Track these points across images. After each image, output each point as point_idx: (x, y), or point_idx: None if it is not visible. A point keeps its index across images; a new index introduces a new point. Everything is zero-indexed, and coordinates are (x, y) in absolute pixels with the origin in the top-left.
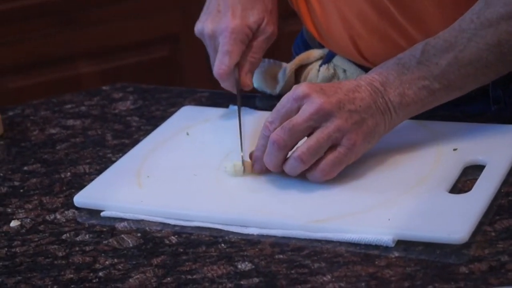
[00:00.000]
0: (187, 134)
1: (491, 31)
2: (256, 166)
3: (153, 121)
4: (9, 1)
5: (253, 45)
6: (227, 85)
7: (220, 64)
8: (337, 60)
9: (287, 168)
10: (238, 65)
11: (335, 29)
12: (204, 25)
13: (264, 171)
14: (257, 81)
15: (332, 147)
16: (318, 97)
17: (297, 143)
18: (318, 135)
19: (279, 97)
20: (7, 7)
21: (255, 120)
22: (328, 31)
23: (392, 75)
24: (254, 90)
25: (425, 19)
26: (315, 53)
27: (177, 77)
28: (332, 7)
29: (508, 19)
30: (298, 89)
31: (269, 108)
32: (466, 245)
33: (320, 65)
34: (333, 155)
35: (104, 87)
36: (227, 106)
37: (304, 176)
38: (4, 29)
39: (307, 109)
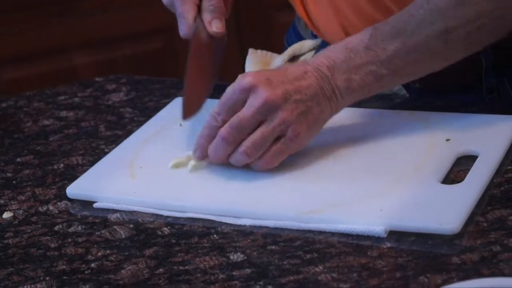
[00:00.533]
0: (180, 125)
1: (439, 18)
2: (198, 154)
3: (146, 112)
4: None
5: None
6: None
7: (180, 26)
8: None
9: (233, 160)
10: (201, 17)
11: (327, 19)
12: None
13: (204, 159)
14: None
15: (277, 138)
16: (264, 89)
17: (245, 137)
18: (263, 129)
19: None
20: None
21: None
22: (320, 20)
23: (340, 59)
24: None
25: None
26: (308, 43)
27: (173, 68)
28: None
29: (456, 6)
30: (244, 80)
31: None
32: (458, 235)
33: (313, 56)
34: (276, 147)
35: (97, 79)
36: (219, 97)
37: (295, 168)
38: None
39: (253, 103)
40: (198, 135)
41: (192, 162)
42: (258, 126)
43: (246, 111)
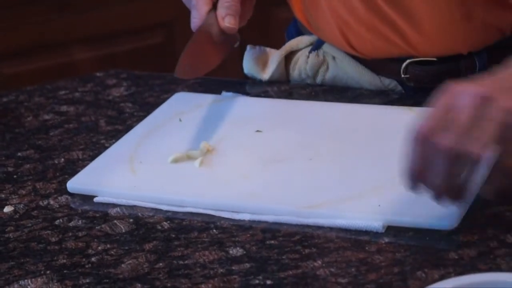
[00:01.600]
0: (180, 120)
1: None
2: (411, 184)
3: (146, 108)
4: None
5: None
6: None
7: (192, 19)
8: (326, 47)
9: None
10: (216, 13)
11: (324, 20)
12: None
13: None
14: (247, 67)
15: None
16: (471, 86)
17: None
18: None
19: (269, 84)
20: None
21: (246, 107)
22: (318, 21)
23: None
24: (244, 76)
25: (412, 10)
26: (305, 39)
27: (172, 64)
28: (322, 0)
29: None
30: (476, 88)
31: (260, 94)
32: (456, 230)
33: (310, 52)
34: None
35: (97, 74)
36: (219, 93)
37: (294, 163)
38: None
39: (463, 101)
40: None
41: (200, 159)
42: None
43: (462, 115)
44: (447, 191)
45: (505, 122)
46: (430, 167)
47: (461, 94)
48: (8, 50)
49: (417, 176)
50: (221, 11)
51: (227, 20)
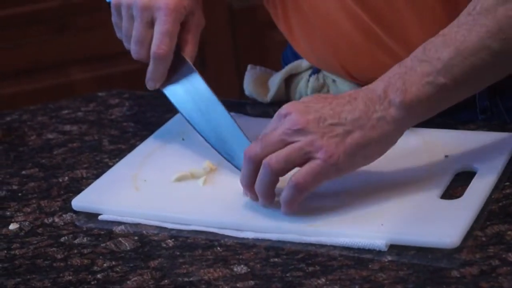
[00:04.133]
0: (183, 139)
1: (490, 18)
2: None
3: (149, 127)
4: (3, 8)
5: (188, 30)
6: (160, 69)
7: (161, 44)
8: (326, 72)
9: (259, 178)
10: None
11: (321, 51)
12: None
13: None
14: (248, 88)
15: (309, 161)
16: (296, 114)
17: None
18: (289, 146)
19: (270, 104)
20: (1, 14)
21: (249, 127)
22: (315, 52)
23: (394, 77)
24: (245, 97)
25: (409, 36)
26: (305, 63)
27: None
28: (320, 31)
29: (504, 3)
30: (282, 108)
31: (261, 114)
32: (458, 249)
33: (310, 75)
34: (307, 166)
35: (100, 93)
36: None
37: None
38: None
39: (283, 125)
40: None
41: (203, 178)
42: None
43: (274, 132)
44: (248, 188)
45: (293, 153)
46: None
47: (284, 119)
48: (8, 69)
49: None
50: (190, 50)
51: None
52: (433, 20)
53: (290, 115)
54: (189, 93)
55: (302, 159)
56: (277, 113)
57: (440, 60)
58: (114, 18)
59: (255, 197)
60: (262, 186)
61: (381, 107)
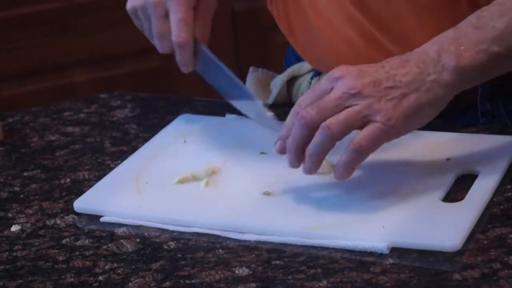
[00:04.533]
0: (185, 141)
1: None
2: (278, 145)
3: (151, 129)
4: (5, 10)
5: (198, 15)
6: (184, 55)
7: (180, 33)
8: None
9: (314, 142)
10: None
11: (323, 54)
12: None
13: (284, 152)
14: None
15: (368, 124)
16: (351, 78)
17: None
18: (348, 110)
19: (272, 106)
20: (3, 15)
21: (251, 129)
22: (318, 56)
23: (448, 41)
24: None
25: (411, 42)
26: (307, 65)
27: (171, 86)
28: (322, 36)
29: None
30: (334, 71)
31: None
32: (459, 252)
33: (312, 77)
34: (368, 129)
35: (102, 95)
36: (223, 115)
37: (299, 186)
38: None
39: (338, 89)
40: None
41: (205, 180)
42: None
43: (330, 96)
44: (296, 153)
45: (352, 117)
46: (291, 132)
47: (337, 82)
48: (9, 71)
49: (282, 139)
50: (199, 36)
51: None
52: (435, 25)
53: (344, 78)
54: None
55: (361, 123)
56: (328, 75)
57: (495, 29)
58: (136, 23)
59: (297, 163)
60: (317, 150)
61: (435, 69)
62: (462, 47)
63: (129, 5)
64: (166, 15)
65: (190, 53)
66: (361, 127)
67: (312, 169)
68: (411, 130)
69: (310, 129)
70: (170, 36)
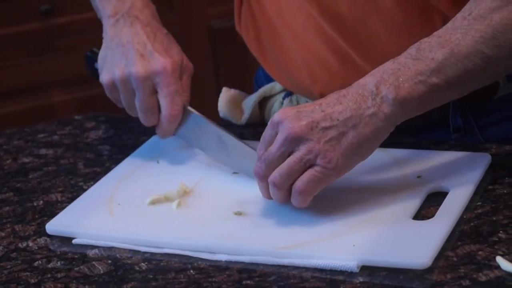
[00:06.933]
0: (158, 162)
1: (485, 24)
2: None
3: (125, 150)
4: None
5: (182, 83)
6: (174, 126)
7: (174, 106)
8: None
9: (272, 195)
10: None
11: (298, 76)
12: (130, 70)
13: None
14: (222, 111)
15: (310, 168)
16: (289, 122)
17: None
18: (290, 159)
19: (245, 126)
20: None
21: None
22: (291, 77)
23: (387, 73)
24: (220, 119)
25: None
26: (278, 85)
27: None
28: (295, 55)
29: (499, 10)
30: (274, 116)
31: (235, 136)
32: (429, 270)
33: (284, 98)
34: (308, 173)
35: (76, 117)
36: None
37: (271, 203)
38: None
39: (279, 137)
40: None
41: (177, 201)
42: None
43: (273, 146)
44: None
45: (294, 166)
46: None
47: (279, 127)
48: None
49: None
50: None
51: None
52: (410, 44)
53: (283, 123)
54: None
55: (304, 168)
56: (270, 121)
57: (434, 60)
58: (110, 95)
59: (268, 197)
60: (279, 200)
61: (373, 102)
62: (400, 79)
63: (105, 78)
64: (153, 89)
65: (178, 123)
66: (304, 171)
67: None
68: (353, 167)
69: (265, 180)
70: (156, 110)
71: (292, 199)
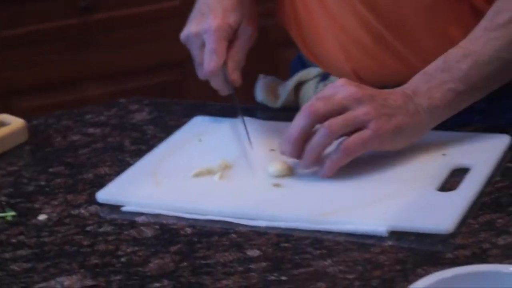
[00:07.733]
0: (200, 140)
1: (503, 33)
2: (281, 140)
3: (168, 130)
4: (23, 26)
5: (235, 44)
6: (216, 82)
7: (210, 61)
8: (334, 78)
9: (315, 139)
10: (225, 64)
11: (333, 55)
12: (189, 29)
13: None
14: (259, 96)
15: (358, 130)
16: (353, 87)
17: (328, 118)
18: (347, 114)
19: (279, 110)
20: (21, 31)
21: (261, 129)
22: (326, 57)
23: (421, 83)
24: (256, 103)
25: (418, 41)
26: (313, 71)
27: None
28: (330, 36)
29: None
30: (338, 81)
31: (271, 118)
32: (452, 235)
33: (318, 82)
34: (358, 135)
35: (121, 100)
36: (235, 117)
37: (308, 175)
38: (18, 53)
39: (343, 92)
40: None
41: (219, 173)
42: None
43: (336, 96)
44: (295, 143)
45: (350, 120)
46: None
47: (341, 89)
48: (26, 86)
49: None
50: (231, 63)
51: (236, 74)
52: (441, 24)
53: (347, 86)
54: None
55: (356, 127)
56: (332, 84)
57: (460, 70)
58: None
59: (296, 154)
60: (316, 146)
61: (413, 104)
62: (432, 89)
63: (182, 35)
64: (203, 46)
65: (220, 79)
66: (354, 131)
67: (309, 164)
68: (393, 147)
69: (313, 119)
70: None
71: (332, 156)
